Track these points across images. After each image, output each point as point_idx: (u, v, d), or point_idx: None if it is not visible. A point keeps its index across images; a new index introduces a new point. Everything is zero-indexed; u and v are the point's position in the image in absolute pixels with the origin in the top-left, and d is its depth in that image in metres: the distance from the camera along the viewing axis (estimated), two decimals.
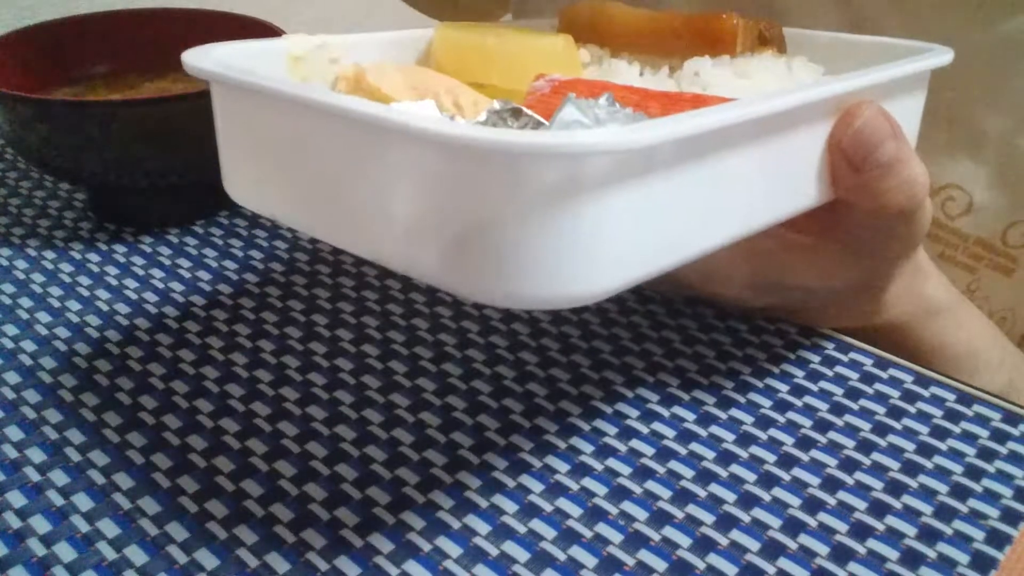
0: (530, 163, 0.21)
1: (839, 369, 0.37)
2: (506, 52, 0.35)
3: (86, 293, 0.43)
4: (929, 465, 0.32)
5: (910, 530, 0.30)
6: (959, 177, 0.45)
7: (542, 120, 0.28)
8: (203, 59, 0.29)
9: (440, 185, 0.23)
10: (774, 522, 0.30)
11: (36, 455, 0.33)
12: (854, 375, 0.37)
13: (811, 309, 0.39)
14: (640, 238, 0.24)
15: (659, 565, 0.29)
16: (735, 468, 0.32)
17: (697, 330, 0.40)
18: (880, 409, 0.35)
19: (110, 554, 0.29)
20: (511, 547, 0.29)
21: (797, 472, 0.32)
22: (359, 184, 0.25)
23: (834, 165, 0.31)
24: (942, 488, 0.31)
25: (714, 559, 0.29)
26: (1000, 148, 0.44)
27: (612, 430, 0.34)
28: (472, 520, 0.30)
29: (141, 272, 0.44)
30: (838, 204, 0.32)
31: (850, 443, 0.33)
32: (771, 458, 0.33)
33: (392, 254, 0.25)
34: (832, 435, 0.34)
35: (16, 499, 0.31)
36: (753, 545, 0.29)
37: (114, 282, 0.44)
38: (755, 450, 0.33)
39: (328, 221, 0.27)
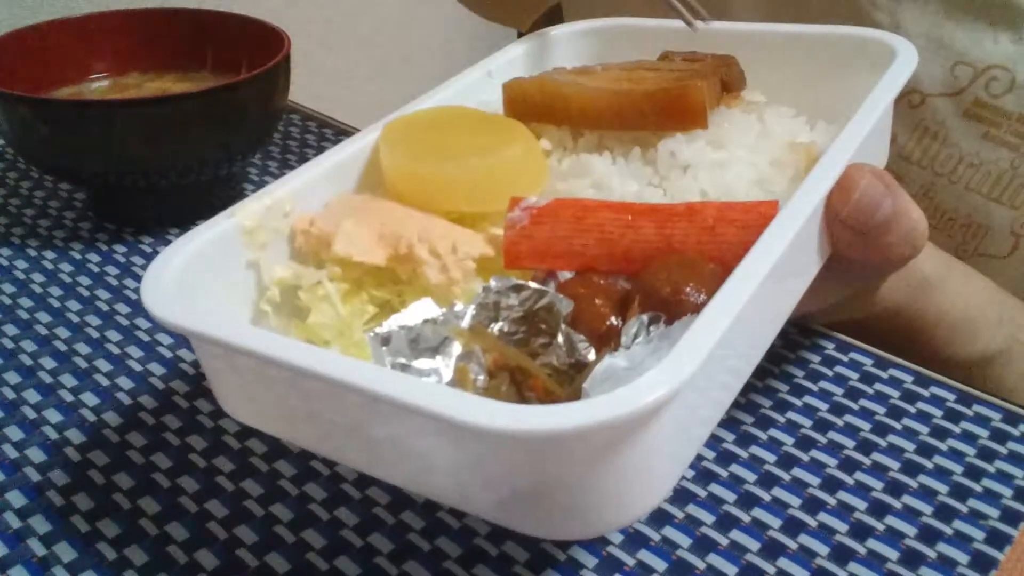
0: (574, 440, 0.21)
1: (839, 369, 0.37)
2: (468, 178, 0.32)
3: (86, 293, 0.43)
4: (929, 465, 0.32)
5: (910, 530, 0.30)
6: (1001, 58, 0.45)
7: (542, 288, 0.27)
8: (165, 304, 0.25)
9: (488, 462, 0.22)
10: (774, 522, 0.30)
11: (36, 455, 0.33)
12: (854, 375, 0.37)
13: (810, 316, 0.39)
14: (687, 434, 0.24)
15: (659, 565, 0.29)
16: (735, 468, 0.32)
17: None
18: (880, 409, 0.35)
19: (110, 554, 0.29)
20: (512, 547, 0.29)
21: (797, 472, 0.32)
22: (387, 442, 0.24)
23: (833, 233, 0.30)
24: (942, 488, 0.31)
25: (714, 559, 0.29)
26: None
27: None
28: (472, 520, 0.30)
29: (141, 272, 0.44)
30: (835, 253, 0.32)
31: (850, 443, 0.33)
32: (771, 458, 0.33)
33: (436, 495, 0.25)
34: (832, 435, 0.34)
35: (16, 499, 0.31)
36: (753, 545, 0.29)
37: (114, 282, 0.44)
38: (755, 450, 0.33)
39: (354, 457, 0.26)
